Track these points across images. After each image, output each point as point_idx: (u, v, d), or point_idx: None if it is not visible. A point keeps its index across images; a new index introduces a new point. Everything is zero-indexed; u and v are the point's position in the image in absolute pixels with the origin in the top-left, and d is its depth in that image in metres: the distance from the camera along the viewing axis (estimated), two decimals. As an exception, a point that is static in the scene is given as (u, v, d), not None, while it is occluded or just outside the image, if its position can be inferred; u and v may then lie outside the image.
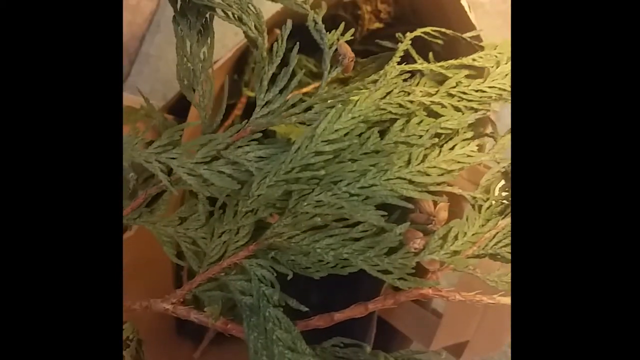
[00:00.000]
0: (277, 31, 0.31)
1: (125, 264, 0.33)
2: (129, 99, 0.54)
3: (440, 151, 0.29)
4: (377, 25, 0.58)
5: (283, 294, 0.29)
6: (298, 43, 0.32)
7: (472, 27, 0.44)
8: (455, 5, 0.46)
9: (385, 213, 0.27)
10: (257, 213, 0.30)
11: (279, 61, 0.31)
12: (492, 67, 0.36)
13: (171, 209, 0.35)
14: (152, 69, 0.62)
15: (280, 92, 0.31)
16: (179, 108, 0.53)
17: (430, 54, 0.35)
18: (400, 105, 0.31)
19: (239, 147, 0.31)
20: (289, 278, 0.29)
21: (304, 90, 0.50)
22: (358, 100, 0.29)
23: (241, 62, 0.55)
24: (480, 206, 0.30)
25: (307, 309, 0.28)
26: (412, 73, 0.34)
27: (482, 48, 0.38)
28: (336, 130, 0.29)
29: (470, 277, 0.29)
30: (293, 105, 0.31)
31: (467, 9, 0.45)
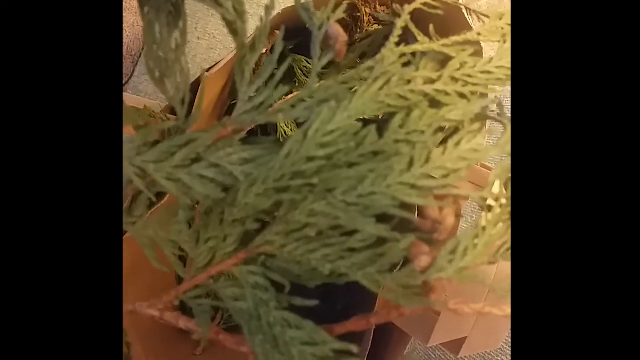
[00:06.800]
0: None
1: (125, 264, 0.30)
2: (133, 99, 0.52)
3: (445, 149, 0.26)
4: (377, 27, 0.56)
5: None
6: (284, 27, 0.28)
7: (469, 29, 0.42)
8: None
9: (388, 226, 0.24)
10: (246, 224, 0.27)
11: (262, 48, 0.28)
12: (499, 41, 0.32)
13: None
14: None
15: (265, 84, 0.28)
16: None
17: (432, 28, 0.31)
18: (400, 96, 0.28)
19: (221, 148, 0.27)
20: (286, 292, 0.27)
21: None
22: (355, 96, 0.26)
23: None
24: (490, 207, 0.27)
25: (315, 302, 0.25)
26: (412, 55, 0.30)
27: (486, 17, 0.34)
28: (330, 132, 0.25)
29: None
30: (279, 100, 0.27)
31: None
